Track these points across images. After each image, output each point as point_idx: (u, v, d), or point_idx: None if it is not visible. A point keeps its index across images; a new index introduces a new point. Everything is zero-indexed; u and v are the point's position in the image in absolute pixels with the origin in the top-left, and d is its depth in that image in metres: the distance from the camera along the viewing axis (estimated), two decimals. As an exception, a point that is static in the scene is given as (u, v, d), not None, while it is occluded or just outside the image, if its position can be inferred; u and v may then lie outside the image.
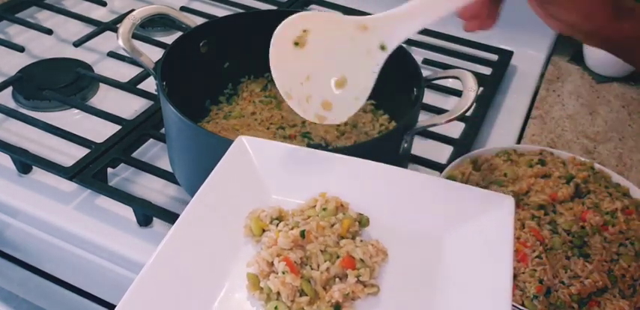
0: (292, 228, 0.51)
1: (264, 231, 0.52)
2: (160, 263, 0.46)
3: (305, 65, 0.55)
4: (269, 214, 0.52)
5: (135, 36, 0.69)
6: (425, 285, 0.50)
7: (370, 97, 0.78)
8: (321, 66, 0.56)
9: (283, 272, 0.47)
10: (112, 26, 0.95)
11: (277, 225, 0.52)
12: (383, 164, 0.55)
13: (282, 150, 0.56)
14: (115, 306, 0.42)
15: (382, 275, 0.50)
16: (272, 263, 0.48)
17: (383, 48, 0.56)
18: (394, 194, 0.55)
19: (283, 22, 0.54)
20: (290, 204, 0.55)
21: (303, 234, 0.49)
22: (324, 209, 0.53)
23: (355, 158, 0.55)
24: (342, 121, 0.58)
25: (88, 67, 0.90)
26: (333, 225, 0.52)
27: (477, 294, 0.47)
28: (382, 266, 0.51)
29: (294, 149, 0.56)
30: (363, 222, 0.54)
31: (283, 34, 0.54)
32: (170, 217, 0.66)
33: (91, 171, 0.70)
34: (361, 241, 0.52)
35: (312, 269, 0.48)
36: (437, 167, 0.74)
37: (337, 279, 0.48)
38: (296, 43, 0.55)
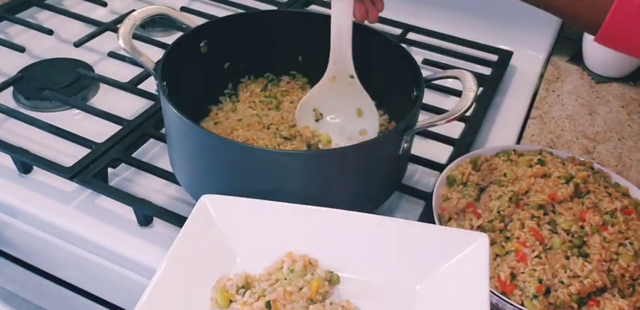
0: (258, 298, 0.49)
1: (230, 301, 0.50)
2: None
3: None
4: (235, 283, 0.51)
5: (135, 36, 0.69)
6: None
7: (370, 97, 0.79)
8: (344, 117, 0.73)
9: None
10: (113, 26, 0.95)
11: (244, 294, 0.50)
12: (351, 212, 0.54)
13: (246, 206, 0.55)
14: (115, 306, 0.42)
15: None
16: None
17: (352, 77, 0.70)
18: (365, 243, 0.54)
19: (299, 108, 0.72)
20: (257, 265, 0.54)
21: (269, 305, 0.48)
22: (292, 270, 0.52)
23: (322, 208, 0.54)
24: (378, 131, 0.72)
25: (89, 67, 0.90)
26: (301, 289, 0.51)
27: None
28: None
29: (259, 204, 0.55)
30: (333, 280, 0.53)
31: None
32: (170, 217, 0.66)
33: (92, 171, 0.70)
34: (331, 304, 0.51)
35: None
36: (437, 167, 0.74)
37: None
38: (317, 120, 0.74)
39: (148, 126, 0.77)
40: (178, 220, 0.65)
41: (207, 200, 0.55)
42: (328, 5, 1.05)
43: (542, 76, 0.98)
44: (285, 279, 0.52)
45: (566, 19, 0.60)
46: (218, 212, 0.55)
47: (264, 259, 0.54)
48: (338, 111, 0.73)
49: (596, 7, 0.53)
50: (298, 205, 0.55)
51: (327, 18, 0.66)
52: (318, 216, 0.54)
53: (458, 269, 0.51)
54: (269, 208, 0.55)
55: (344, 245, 0.54)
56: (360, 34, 0.74)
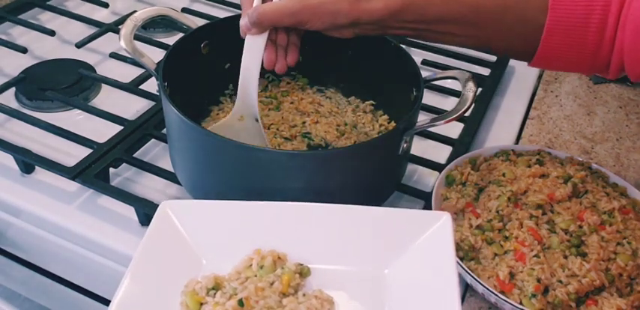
0: (230, 297, 0.49)
1: (202, 304, 0.50)
2: None
3: None
4: (204, 285, 0.50)
5: (137, 37, 0.69)
6: None
7: (370, 98, 0.79)
8: None
9: None
10: (114, 27, 0.96)
11: (214, 295, 0.50)
12: (313, 203, 0.55)
13: (207, 208, 0.55)
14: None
15: None
16: None
17: (257, 120, 0.67)
18: (331, 234, 0.54)
19: None
20: (226, 266, 0.53)
21: (241, 303, 0.48)
22: (261, 267, 0.52)
23: (282, 202, 0.54)
24: None
25: (91, 68, 0.90)
26: (272, 284, 0.51)
27: None
28: None
29: (218, 204, 0.55)
30: (303, 272, 0.53)
31: None
32: (172, 216, 0.66)
33: (94, 171, 0.70)
34: (304, 295, 0.51)
35: None
36: (436, 167, 0.75)
37: None
38: None
39: (149, 127, 0.78)
40: (179, 220, 0.65)
41: (167, 206, 0.55)
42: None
43: (540, 76, 0.98)
44: (255, 276, 0.52)
45: (500, 54, 0.69)
46: (179, 217, 0.54)
47: (231, 258, 0.54)
48: None
49: (529, 39, 0.60)
50: (259, 202, 0.55)
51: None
52: (281, 211, 0.55)
53: (424, 249, 0.51)
54: (231, 208, 0.55)
55: (311, 237, 0.54)
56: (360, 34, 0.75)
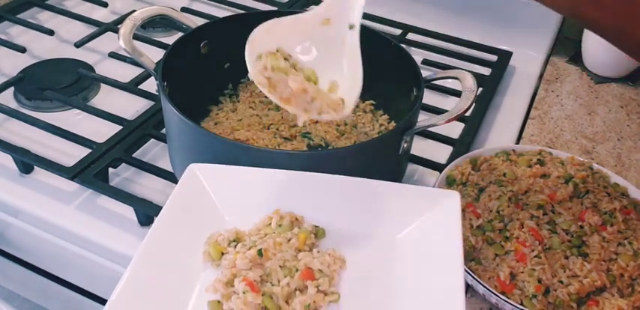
0: (250, 248, 0.52)
1: (223, 254, 0.53)
2: (120, 303, 0.46)
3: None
4: (226, 237, 0.53)
5: (136, 37, 0.69)
6: (382, 288, 0.51)
7: (370, 97, 0.79)
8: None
9: (244, 292, 0.48)
10: (113, 27, 0.96)
11: (235, 246, 0.53)
12: (332, 175, 0.57)
13: (232, 172, 0.57)
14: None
15: (341, 282, 0.52)
16: (231, 285, 0.49)
17: (351, 27, 0.52)
18: (346, 203, 0.57)
19: (249, 43, 0.53)
20: (246, 225, 0.56)
21: (260, 253, 0.51)
22: (280, 225, 0.55)
23: (304, 172, 0.57)
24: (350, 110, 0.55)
25: (90, 68, 0.90)
26: (289, 240, 0.53)
27: (431, 294, 0.49)
28: (341, 274, 0.52)
29: (244, 170, 0.57)
30: (319, 233, 0.55)
31: (254, 56, 0.54)
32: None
33: (93, 171, 0.70)
34: (318, 252, 0.53)
35: (272, 285, 0.49)
36: (436, 167, 0.75)
37: (298, 292, 0.49)
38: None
39: (148, 127, 0.77)
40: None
41: (195, 167, 0.57)
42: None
43: (541, 76, 0.98)
44: (274, 233, 0.54)
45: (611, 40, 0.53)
46: (206, 178, 0.57)
47: (252, 218, 0.57)
48: (317, 64, 0.54)
49: None
50: (283, 170, 0.57)
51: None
52: (303, 180, 0.57)
53: (434, 221, 0.54)
54: (255, 174, 0.57)
55: (328, 205, 0.57)
56: (360, 34, 0.75)
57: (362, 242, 0.55)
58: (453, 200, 0.55)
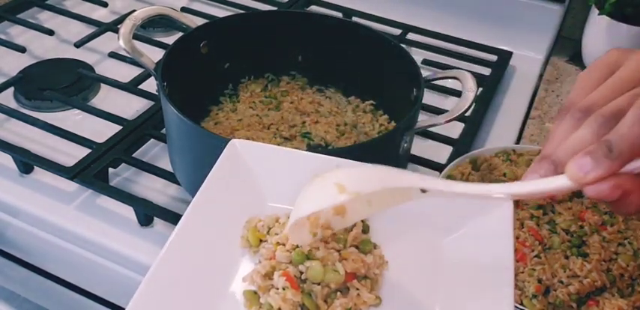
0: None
1: (261, 241, 0.50)
2: (153, 284, 0.44)
3: None
4: (266, 224, 0.50)
5: (136, 36, 0.69)
6: (426, 293, 0.48)
7: (370, 97, 0.79)
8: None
9: (284, 288, 0.45)
10: (113, 27, 0.96)
11: (275, 234, 0.49)
12: (380, 165, 0.52)
13: (276, 152, 0.54)
14: (116, 305, 0.42)
15: (383, 284, 0.49)
16: (270, 277, 0.46)
17: (423, 191, 0.47)
18: None
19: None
20: (287, 211, 0.51)
21: (306, 256, 0.47)
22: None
23: (352, 161, 0.53)
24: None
25: (89, 68, 0.90)
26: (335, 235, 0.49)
27: (479, 302, 0.46)
28: (383, 276, 0.49)
29: (289, 152, 0.54)
30: (364, 229, 0.52)
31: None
32: (171, 217, 0.66)
33: (92, 171, 0.70)
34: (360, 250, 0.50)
35: (312, 283, 0.46)
36: (436, 167, 0.75)
37: (339, 292, 0.46)
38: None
39: (148, 127, 0.77)
40: (179, 220, 0.65)
41: (237, 143, 0.53)
42: (328, 5, 1.06)
43: (541, 76, 0.98)
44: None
45: None
46: (249, 156, 0.53)
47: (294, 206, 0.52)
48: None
49: None
50: (329, 156, 0.53)
51: (327, 18, 0.66)
52: (349, 169, 0.51)
53: (484, 229, 0.50)
54: (300, 156, 0.53)
55: None
56: (360, 34, 0.75)
57: (406, 244, 0.52)
58: (506, 207, 0.50)
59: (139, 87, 0.85)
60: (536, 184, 0.41)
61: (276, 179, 0.54)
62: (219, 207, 0.51)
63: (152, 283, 0.44)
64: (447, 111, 0.62)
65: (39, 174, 0.74)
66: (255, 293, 0.46)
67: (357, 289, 0.46)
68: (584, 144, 0.38)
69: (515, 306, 0.55)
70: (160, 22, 1.00)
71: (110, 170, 0.73)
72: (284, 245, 0.48)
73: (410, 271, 0.50)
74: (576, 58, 1.00)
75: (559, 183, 0.38)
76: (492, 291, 0.46)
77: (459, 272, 0.50)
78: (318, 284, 0.46)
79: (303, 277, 0.46)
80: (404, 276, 0.50)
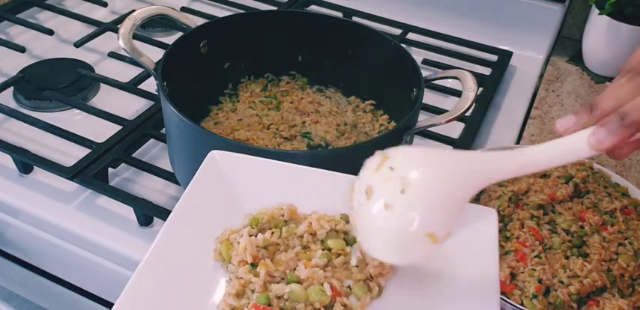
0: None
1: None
2: (130, 297, 0.43)
3: None
4: (238, 236, 0.49)
5: (135, 36, 0.69)
6: (412, 304, 0.48)
7: (370, 97, 0.79)
8: None
9: None
10: (113, 27, 0.96)
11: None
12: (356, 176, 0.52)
13: (256, 163, 0.54)
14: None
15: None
16: (244, 296, 0.45)
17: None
18: None
19: None
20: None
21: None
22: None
23: (335, 172, 0.53)
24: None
25: (89, 68, 0.90)
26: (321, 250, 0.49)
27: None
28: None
29: (269, 163, 0.54)
30: (348, 240, 0.51)
31: None
32: (171, 217, 0.66)
33: (92, 171, 0.70)
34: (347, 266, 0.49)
35: (294, 301, 0.45)
36: (436, 167, 0.74)
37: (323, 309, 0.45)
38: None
39: (148, 126, 0.77)
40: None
41: (217, 155, 0.53)
42: (328, 5, 1.06)
43: (541, 76, 0.98)
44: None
45: None
46: (227, 167, 0.53)
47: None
48: None
49: None
50: (309, 168, 0.53)
51: (327, 18, 0.66)
52: (328, 179, 0.53)
53: (469, 238, 0.50)
54: (279, 168, 0.53)
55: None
56: (360, 33, 0.75)
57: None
58: (490, 218, 0.50)
59: (139, 87, 0.85)
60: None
61: (255, 189, 0.53)
62: (198, 218, 0.51)
63: (130, 295, 0.43)
64: (447, 111, 0.62)
65: (39, 174, 0.74)
66: None
67: (342, 305, 0.45)
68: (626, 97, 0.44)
69: (516, 306, 0.55)
70: (159, 22, 1.00)
71: (110, 170, 0.73)
72: (247, 263, 0.47)
73: (395, 282, 0.50)
74: (576, 58, 1.00)
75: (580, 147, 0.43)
76: (478, 304, 0.46)
77: (445, 282, 0.49)
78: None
79: (285, 297, 0.45)
80: (390, 287, 0.49)
